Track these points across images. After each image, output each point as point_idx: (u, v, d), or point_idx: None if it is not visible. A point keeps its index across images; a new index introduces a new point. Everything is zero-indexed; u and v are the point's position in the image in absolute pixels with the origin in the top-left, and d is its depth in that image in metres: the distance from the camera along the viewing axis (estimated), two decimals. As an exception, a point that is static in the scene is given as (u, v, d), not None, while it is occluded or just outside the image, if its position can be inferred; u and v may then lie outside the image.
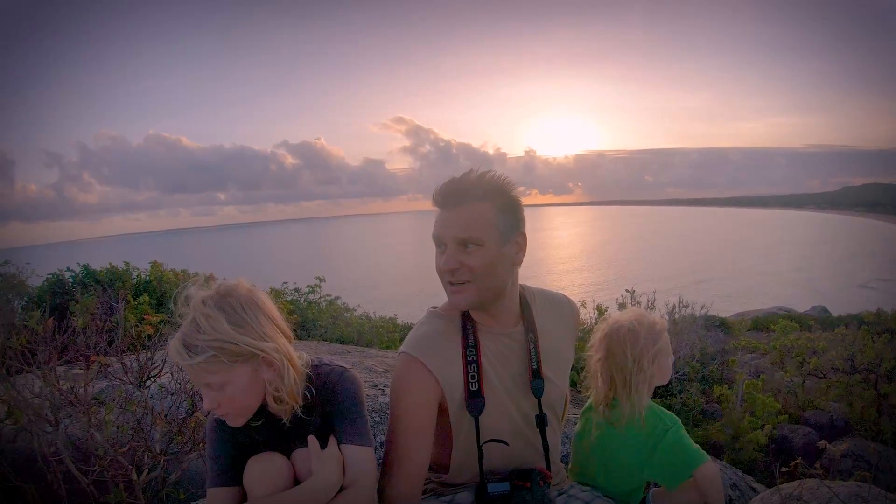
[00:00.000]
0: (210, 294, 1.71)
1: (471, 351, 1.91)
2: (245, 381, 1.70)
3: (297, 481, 1.77)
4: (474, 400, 1.89)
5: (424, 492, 2.03)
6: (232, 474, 1.79)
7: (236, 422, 1.76)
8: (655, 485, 2.28)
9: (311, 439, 1.76)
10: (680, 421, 2.10)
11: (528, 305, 2.06)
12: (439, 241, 1.87)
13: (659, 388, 2.26)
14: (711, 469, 2.00)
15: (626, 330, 2.14)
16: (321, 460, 1.73)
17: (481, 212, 1.83)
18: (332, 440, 1.79)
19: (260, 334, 1.70)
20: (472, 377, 1.89)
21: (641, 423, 2.06)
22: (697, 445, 2.03)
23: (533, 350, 2.00)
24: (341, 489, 1.74)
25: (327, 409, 1.82)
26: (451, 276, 1.85)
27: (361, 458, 1.77)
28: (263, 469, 1.76)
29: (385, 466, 1.90)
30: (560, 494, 2.07)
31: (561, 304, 2.18)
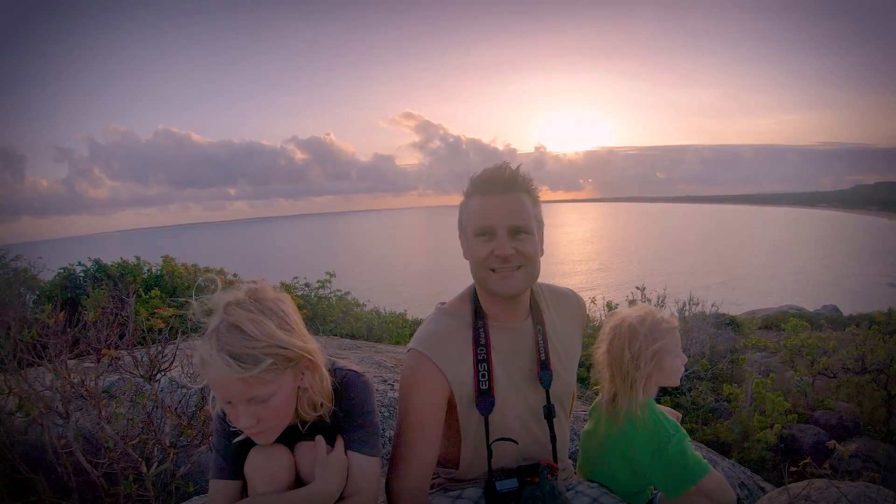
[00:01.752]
0: (244, 298, 1.60)
1: (481, 349, 1.93)
2: (289, 389, 1.63)
3: (298, 475, 1.73)
4: (484, 398, 1.90)
5: (432, 486, 2.05)
6: (235, 468, 1.73)
7: (271, 437, 1.68)
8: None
9: (320, 441, 1.72)
10: (683, 430, 2.07)
11: (536, 299, 2.09)
12: (488, 230, 1.88)
13: (668, 386, 2.24)
14: (712, 482, 1.96)
15: (627, 326, 2.13)
16: (325, 465, 1.69)
17: (524, 202, 1.90)
18: (339, 443, 1.75)
19: (303, 336, 1.64)
20: (483, 376, 1.91)
21: (636, 422, 2.05)
22: (700, 455, 2.01)
23: (541, 342, 2.02)
24: (342, 497, 1.70)
25: (338, 412, 1.77)
26: (504, 263, 1.87)
27: (366, 468, 1.74)
28: (265, 462, 1.70)
29: (393, 461, 1.90)
30: (568, 490, 2.08)
31: (568, 299, 2.20)
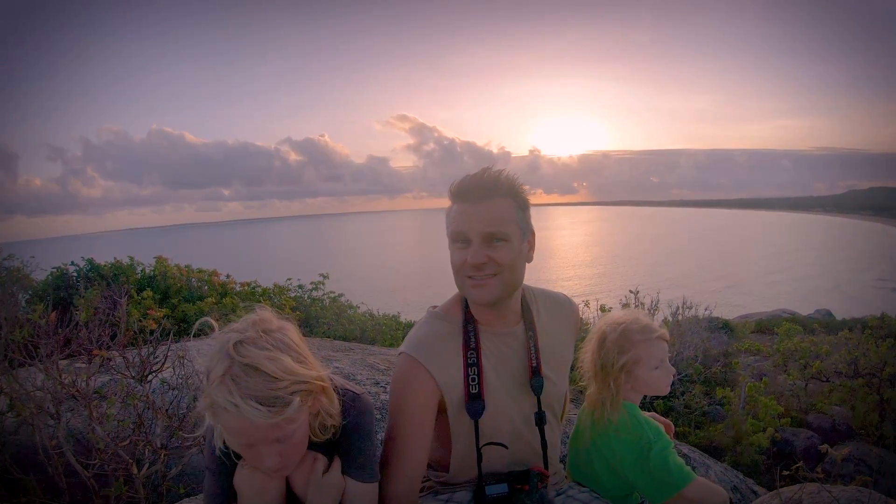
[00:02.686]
0: (252, 334, 1.47)
1: (471, 354, 1.91)
2: (307, 419, 1.55)
3: (290, 488, 1.68)
4: (474, 403, 1.89)
5: (422, 489, 2.03)
6: (230, 493, 1.66)
7: (291, 469, 1.61)
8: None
9: (318, 460, 1.67)
10: (667, 437, 2.05)
11: (528, 304, 2.07)
12: (462, 237, 1.85)
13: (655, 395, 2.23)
14: (695, 491, 1.92)
15: (599, 333, 2.14)
16: (320, 487, 1.64)
17: (505, 208, 1.85)
18: (335, 465, 1.70)
19: (315, 363, 1.56)
20: (473, 380, 1.89)
21: (616, 427, 2.04)
22: (683, 463, 1.99)
23: (533, 348, 2.00)
24: None
25: (336, 433, 1.71)
26: (478, 271, 1.84)
27: (361, 495, 1.71)
28: (252, 474, 1.62)
29: (383, 464, 1.89)
30: (559, 494, 2.07)
31: (561, 304, 2.19)
